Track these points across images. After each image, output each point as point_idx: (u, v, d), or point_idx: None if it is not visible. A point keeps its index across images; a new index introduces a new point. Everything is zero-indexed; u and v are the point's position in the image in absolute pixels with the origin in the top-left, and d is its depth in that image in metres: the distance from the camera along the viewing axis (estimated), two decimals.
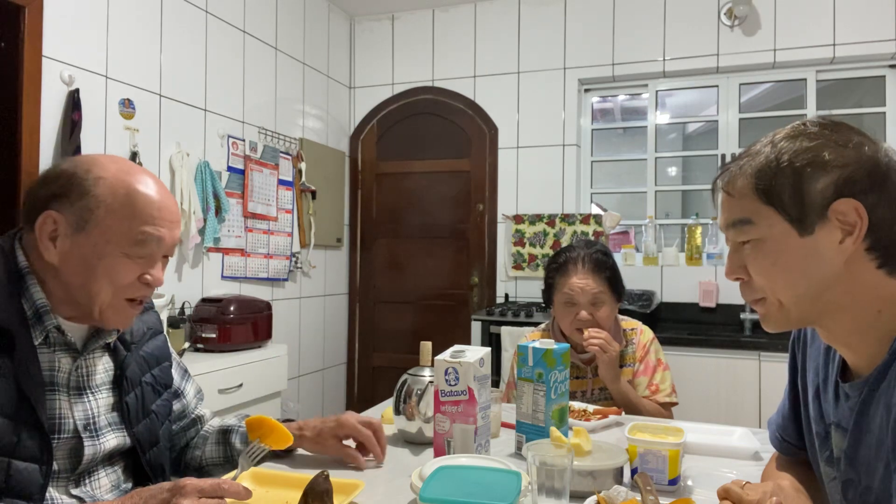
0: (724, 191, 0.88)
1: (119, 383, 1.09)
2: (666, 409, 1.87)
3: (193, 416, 1.30)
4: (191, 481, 0.87)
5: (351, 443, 1.25)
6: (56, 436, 0.98)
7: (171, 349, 1.29)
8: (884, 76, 3.31)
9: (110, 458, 1.08)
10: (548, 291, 1.94)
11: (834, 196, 0.79)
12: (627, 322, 1.97)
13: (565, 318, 1.87)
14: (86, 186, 0.98)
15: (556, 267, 1.90)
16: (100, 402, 1.06)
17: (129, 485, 1.11)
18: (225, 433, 1.27)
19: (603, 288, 1.83)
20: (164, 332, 1.26)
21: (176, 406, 1.26)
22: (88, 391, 1.04)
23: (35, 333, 0.97)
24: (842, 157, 0.80)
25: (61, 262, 0.98)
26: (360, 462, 1.21)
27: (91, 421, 1.03)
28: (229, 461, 1.24)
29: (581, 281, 1.83)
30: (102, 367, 1.08)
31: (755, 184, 0.83)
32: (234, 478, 0.99)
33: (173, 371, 1.26)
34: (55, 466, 0.97)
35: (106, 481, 1.06)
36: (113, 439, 1.06)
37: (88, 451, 1.01)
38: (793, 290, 0.83)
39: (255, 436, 1.13)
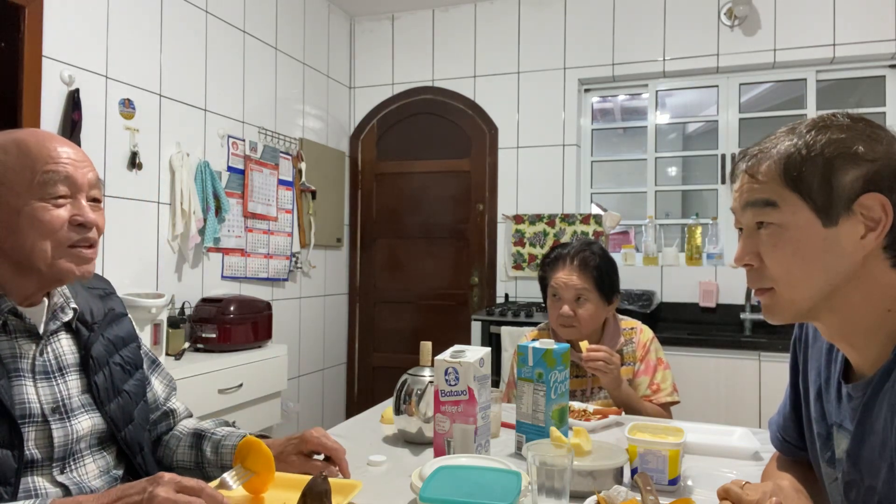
0: (748, 174, 0.86)
1: (86, 364, 1.09)
2: (665, 410, 1.87)
3: (165, 408, 1.28)
4: (171, 474, 0.87)
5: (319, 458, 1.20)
6: (24, 421, 0.97)
7: (153, 356, 1.29)
8: (884, 76, 3.30)
9: (100, 443, 1.08)
10: (541, 287, 1.99)
11: (862, 189, 0.78)
12: (627, 321, 1.98)
13: (552, 313, 1.91)
14: None
15: (548, 262, 1.95)
16: (70, 384, 1.06)
17: (120, 471, 1.11)
18: (198, 437, 1.25)
19: (588, 286, 1.84)
20: (129, 316, 1.25)
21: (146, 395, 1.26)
22: (57, 374, 1.04)
23: None
24: (873, 151, 0.79)
25: None
26: (332, 472, 1.16)
27: (61, 404, 1.02)
28: (200, 467, 1.23)
29: (566, 276, 1.86)
30: (69, 350, 1.08)
31: (783, 169, 0.82)
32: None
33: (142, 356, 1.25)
34: (35, 455, 0.97)
35: (93, 467, 1.06)
36: (86, 420, 1.05)
37: (58, 433, 1.00)
38: (809, 281, 0.82)
39: (238, 461, 1.07)
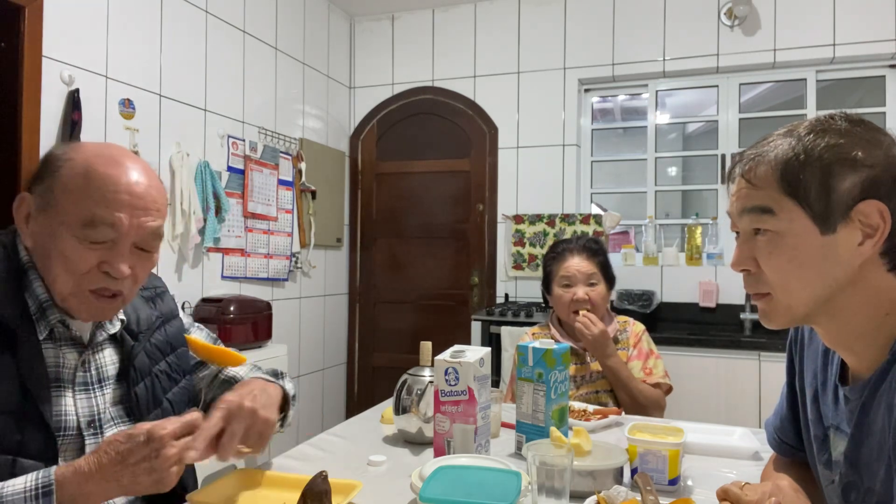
0: (744, 178, 0.84)
1: (126, 374, 1.06)
2: (659, 389, 1.94)
3: (224, 377, 1.26)
4: (160, 431, 0.85)
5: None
6: (60, 433, 0.96)
7: (190, 321, 1.27)
8: (884, 76, 3.30)
9: None
10: (546, 281, 2.08)
11: (860, 196, 0.77)
12: (620, 317, 2.10)
13: (563, 300, 1.98)
14: (55, 166, 0.95)
15: (554, 256, 2.06)
16: (106, 396, 1.04)
17: None
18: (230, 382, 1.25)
19: (597, 270, 2.00)
20: (180, 316, 1.22)
21: (205, 372, 1.26)
22: (96, 386, 1.02)
23: (40, 328, 0.95)
24: (871, 156, 0.78)
25: (32, 244, 0.96)
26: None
27: (96, 417, 1.01)
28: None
29: (577, 263, 1.99)
30: (110, 360, 1.06)
31: (780, 175, 0.80)
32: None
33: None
34: (61, 463, 0.96)
35: None
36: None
37: (90, 448, 0.99)
38: (806, 289, 0.81)
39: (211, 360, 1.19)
